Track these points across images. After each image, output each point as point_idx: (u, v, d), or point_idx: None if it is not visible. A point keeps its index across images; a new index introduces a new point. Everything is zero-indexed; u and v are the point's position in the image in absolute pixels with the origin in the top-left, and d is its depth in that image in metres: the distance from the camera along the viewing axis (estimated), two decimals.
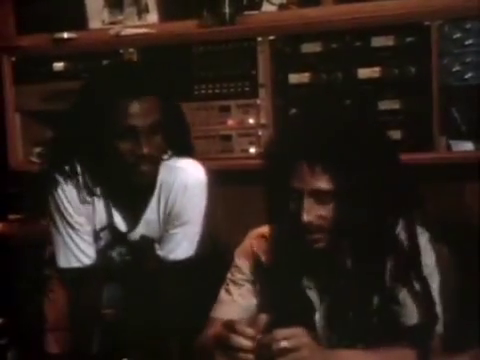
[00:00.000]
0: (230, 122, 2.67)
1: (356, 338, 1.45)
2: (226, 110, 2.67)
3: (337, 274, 1.52)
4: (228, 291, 1.65)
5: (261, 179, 1.56)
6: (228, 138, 2.68)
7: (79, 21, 2.91)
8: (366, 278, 1.47)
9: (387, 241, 1.48)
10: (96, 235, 1.96)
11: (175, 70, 2.71)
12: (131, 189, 1.88)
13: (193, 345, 1.62)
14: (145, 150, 1.78)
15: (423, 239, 1.51)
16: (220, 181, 2.71)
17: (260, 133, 2.63)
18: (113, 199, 1.93)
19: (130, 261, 2.03)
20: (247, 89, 2.65)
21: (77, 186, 1.89)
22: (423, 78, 2.38)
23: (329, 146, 1.41)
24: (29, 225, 2.79)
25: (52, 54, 2.91)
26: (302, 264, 1.53)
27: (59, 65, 2.90)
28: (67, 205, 1.91)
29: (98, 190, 1.91)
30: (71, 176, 1.89)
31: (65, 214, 1.91)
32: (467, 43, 2.30)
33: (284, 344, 1.29)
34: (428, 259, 1.49)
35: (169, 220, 1.94)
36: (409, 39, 2.39)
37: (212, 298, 1.67)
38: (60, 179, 1.89)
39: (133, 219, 1.95)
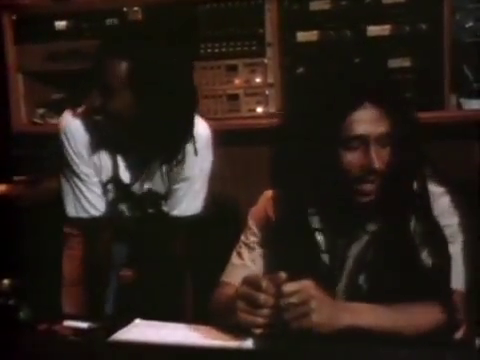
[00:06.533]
0: (237, 81, 2.64)
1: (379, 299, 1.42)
2: (233, 69, 2.64)
3: (360, 235, 1.50)
4: (240, 255, 1.63)
5: (281, 135, 1.51)
6: (235, 97, 2.65)
7: None
8: (395, 233, 1.45)
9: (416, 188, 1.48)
10: (104, 187, 1.96)
11: (181, 28, 2.67)
12: (136, 143, 1.86)
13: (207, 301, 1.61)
14: None
15: (445, 200, 1.49)
16: (227, 141, 2.70)
17: (267, 92, 2.60)
18: (119, 151, 1.92)
19: (139, 215, 2.03)
20: (254, 48, 2.61)
21: (88, 130, 1.88)
22: (435, 35, 2.34)
23: (389, 88, 1.45)
24: (34, 186, 2.77)
25: (54, 12, 2.85)
26: (321, 226, 1.51)
27: (61, 24, 2.85)
28: (73, 156, 1.91)
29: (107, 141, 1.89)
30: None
31: (72, 164, 1.91)
32: None
33: (292, 300, 1.29)
34: (451, 219, 1.46)
35: (171, 175, 1.94)
36: None
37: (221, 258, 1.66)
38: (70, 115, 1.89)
39: (137, 171, 1.95)
